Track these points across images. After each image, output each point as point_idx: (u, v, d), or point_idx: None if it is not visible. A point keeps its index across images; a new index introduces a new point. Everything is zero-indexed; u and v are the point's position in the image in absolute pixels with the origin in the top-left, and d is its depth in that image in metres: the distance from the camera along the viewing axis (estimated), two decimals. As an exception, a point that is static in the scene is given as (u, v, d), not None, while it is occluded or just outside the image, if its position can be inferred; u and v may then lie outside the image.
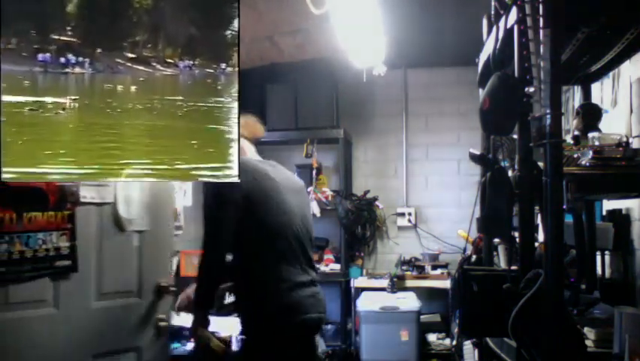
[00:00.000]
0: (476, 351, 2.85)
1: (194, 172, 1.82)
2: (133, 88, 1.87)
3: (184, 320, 3.60)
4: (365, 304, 4.55)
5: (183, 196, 4.32)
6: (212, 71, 1.85)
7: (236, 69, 1.82)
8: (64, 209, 2.20)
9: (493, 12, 2.45)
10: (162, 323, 2.54)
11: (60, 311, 2.21)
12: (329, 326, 4.94)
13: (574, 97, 3.64)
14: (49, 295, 2.19)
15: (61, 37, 1.74)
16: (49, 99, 1.76)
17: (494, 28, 2.34)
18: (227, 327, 3.55)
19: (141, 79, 1.88)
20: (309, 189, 4.81)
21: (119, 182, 2.36)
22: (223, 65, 1.84)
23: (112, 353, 2.38)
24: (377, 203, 5.13)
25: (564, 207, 1.70)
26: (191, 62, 1.88)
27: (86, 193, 2.29)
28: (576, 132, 2.57)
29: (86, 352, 2.28)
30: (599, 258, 3.01)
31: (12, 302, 2.07)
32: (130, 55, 1.82)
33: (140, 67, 1.84)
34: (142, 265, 2.51)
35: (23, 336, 2.09)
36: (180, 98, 1.89)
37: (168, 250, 2.71)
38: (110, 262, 2.39)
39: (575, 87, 3.51)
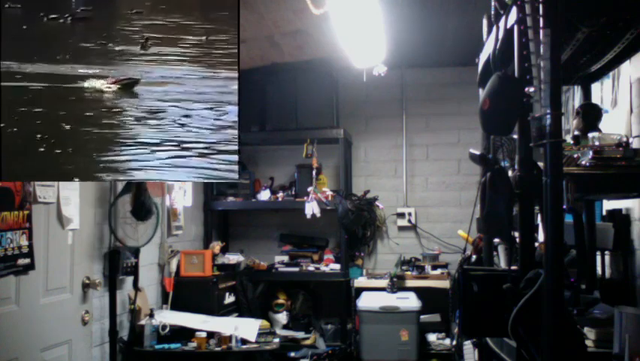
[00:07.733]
0: (476, 351, 2.86)
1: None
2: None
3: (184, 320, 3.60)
4: (365, 304, 4.54)
5: (183, 196, 4.30)
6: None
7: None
8: (24, 208, 2.27)
9: (493, 12, 2.45)
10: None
11: (20, 308, 2.37)
12: (329, 326, 4.94)
13: (574, 97, 3.64)
14: (12, 292, 2.33)
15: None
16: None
17: (494, 28, 2.34)
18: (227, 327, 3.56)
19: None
20: (309, 189, 4.80)
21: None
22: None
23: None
24: (377, 203, 5.13)
25: (564, 207, 1.70)
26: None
27: (40, 193, 2.46)
28: (576, 132, 2.57)
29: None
30: (599, 258, 3.01)
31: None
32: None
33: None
34: (73, 263, 2.82)
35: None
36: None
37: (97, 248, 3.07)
38: (54, 259, 2.64)
39: (575, 87, 3.51)
